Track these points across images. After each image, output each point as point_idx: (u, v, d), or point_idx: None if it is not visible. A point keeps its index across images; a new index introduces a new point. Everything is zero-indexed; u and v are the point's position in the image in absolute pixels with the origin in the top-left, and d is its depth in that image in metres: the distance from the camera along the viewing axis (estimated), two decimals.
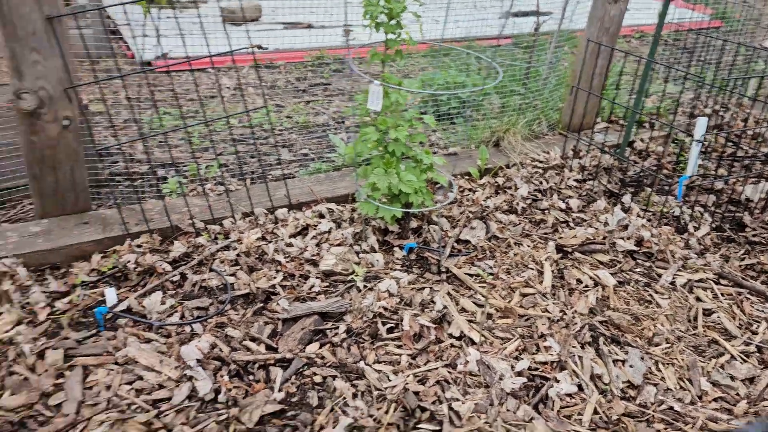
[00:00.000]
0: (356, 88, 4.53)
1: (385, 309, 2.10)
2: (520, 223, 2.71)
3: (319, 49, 5.16)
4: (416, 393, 1.78)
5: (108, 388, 1.75)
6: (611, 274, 2.39)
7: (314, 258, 2.36)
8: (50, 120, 2.20)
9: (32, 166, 2.27)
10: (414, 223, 2.59)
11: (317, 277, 2.27)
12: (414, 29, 2.36)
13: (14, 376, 1.76)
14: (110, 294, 2.08)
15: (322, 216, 2.62)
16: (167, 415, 1.67)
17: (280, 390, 1.79)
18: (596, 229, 2.67)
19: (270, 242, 2.42)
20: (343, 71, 4.95)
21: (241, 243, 2.39)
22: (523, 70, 3.94)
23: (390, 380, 1.83)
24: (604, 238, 2.61)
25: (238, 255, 2.33)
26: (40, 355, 1.84)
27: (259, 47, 4.93)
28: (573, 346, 2.01)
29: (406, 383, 1.81)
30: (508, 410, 1.76)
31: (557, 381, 1.87)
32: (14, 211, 2.55)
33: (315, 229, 2.52)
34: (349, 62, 2.19)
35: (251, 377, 1.84)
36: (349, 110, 2.45)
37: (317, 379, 1.83)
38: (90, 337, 1.95)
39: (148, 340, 1.92)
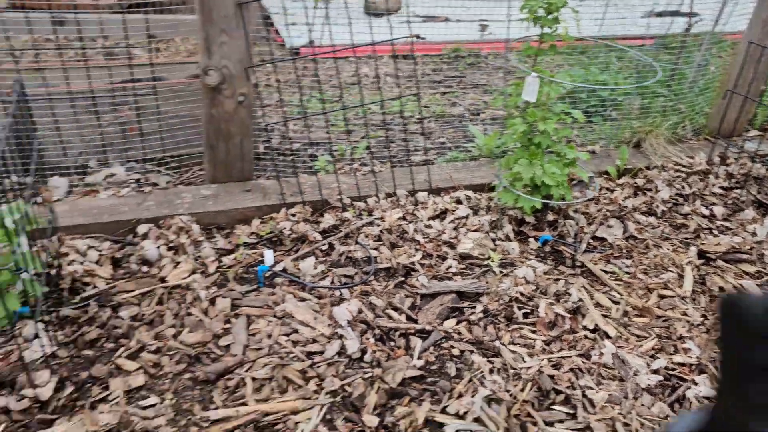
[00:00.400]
0: (490, 82, 4.58)
1: (522, 294, 2.17)
2: (659, 226, 2.67)
3: (456, 42, 5.25)
4: (551, 376, 1.84)
5: (269, 336, 1.95)
6: (758, 285, 2.31)
7: (451, 241, 2.47)
8: (229, 95, 2.45)
9: (209, 136, 2.55)
10: (550, 216, 2.63)
11: (454, 259, 2.37)
12: (562, 25, 2.38)
13: (191, 317, 2.01)
14: (268, 255, 2.30)
15: (459, 202, 2.72)
16: (320, 366, 1.85)
17: (419, 358, 1.91)
18: (743, 238, 2.58)
19: (410, 222, 2.56)
20: (478, 65, 5.01)
21: (384, 221, 2.55)
22: (668, 72, 3.82)
23: (525, 361, 1.91)
24: (752, 248, 2.52)
25: (381, 231, 2.49)
26: (212, 302, 2.08)
27: (418, 37, 5.09)
28: (714, 352, 1.98)
29: (541, 366, 1.88)
30: (642, 405, 1.78)
31: (695, 383, 1.86)
32: (186, 175, 2.86)
33: (453, 213, 2.63)
34: (508, 55, 2.26)
35: (392, 343, 1.98)
36: (497, 101, 2.53)
37: (455, 351, 1.94)
38: (252, 291, 2.18)
39: (303, 299, 2.12)
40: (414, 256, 2.37)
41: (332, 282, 2.22)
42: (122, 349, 1.88)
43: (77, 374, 1.78)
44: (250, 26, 2.65)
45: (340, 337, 1.95)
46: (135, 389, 1.76)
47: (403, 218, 2.59)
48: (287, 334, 1.97)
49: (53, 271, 2.07)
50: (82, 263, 2.19)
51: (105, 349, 1.89)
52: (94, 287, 2.11)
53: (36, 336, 1.87)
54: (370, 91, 4.26)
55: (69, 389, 1.73)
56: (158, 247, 2.27)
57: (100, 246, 2.29)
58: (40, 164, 2.05)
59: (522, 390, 1.79)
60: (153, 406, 1.70)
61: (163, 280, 2.15)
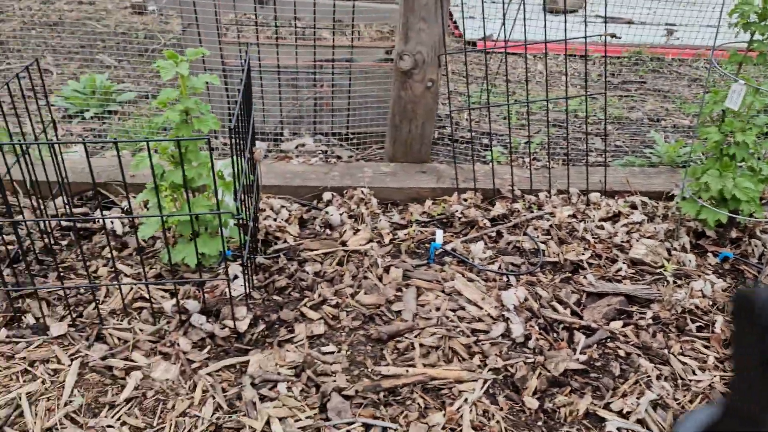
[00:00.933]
0: (673, 90, 4.36)
1: (697, 308, 2.10)
2: None
3: (638, 45, 5.04)
4: (723, 394, 1.77)
5: (437, 309, 2.06)
6: None
7: (623, 244, 2.43)
8: (419, 80, 2.59)
9: (395, 117, 2.71)
10: (734, 233, 2.49)
11: (624, 263, 2.33)
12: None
13: (367, 280, 2.17)
14: (439, 234, 2.41)
15: (634, 207, 2.66)
16: (484, 344, 1.93)
17: (582, 353, 1.92)
18: None
19: (581, 221, 2.55)
20: (661, 71, 4.78)
21: (554, 216, 2.56)
22: None
23: (695, 374, 1.85)
24: None
25: (550, 226, 2.50)
26: (386, 270, 2.23)
27: (613, 36, 4.99)
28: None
29: (713, 382, 1.81)
30: None
31: None
32: (366, 152, 3.06)
33: (626, 218, 2.58)
34: (713, 60, 2.18)
35: (556, 334, 2.01)
36: (691, 107, 2.43)
37: (621, 353, 1.93)
38: (421, 265, 2.30)
39: (471, 280, 2.21)
40: (583, 254, 2.37)
41: (499, 268, 2.28)
42: (306, 299, 2.08)
43: (268, 315, 2.01)
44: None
45: (506, 320, 2.01)
46: (316, 336, 1.95)
47: (574, 216, 2.58)
48: (454, 310, 2.07)
49: (252, 224, 2.33)
50: (275, 220, 2.44)
51: (291, 297, 2.10)
52: (284, 242, 2.35)
53: (236, 277, 2.13)
54: (543, 88, 4.23)
55: (261, 326, 1.95)
56: (341, 214, 2.47)
57: (291, 207, 2.54)
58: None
59: (691, 401, 1.74)
60: (331, 353, 1.88)
61: (343, 243, 2.34)
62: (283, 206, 2.52)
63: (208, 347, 1.88)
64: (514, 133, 3.40)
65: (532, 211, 2.59)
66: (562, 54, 5.02)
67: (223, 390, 1.73)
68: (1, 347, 1.82)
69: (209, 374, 1.78)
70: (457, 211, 2.55)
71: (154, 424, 1.63)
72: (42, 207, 2.19)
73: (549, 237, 2.47)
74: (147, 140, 1.59)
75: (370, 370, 1.83)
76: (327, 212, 2.47)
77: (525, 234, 2.48)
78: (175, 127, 1.89)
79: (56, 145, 2.27)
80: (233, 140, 1.68)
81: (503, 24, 2.61)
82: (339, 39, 4.57)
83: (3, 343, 1.84)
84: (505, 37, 2.55)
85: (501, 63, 4.66)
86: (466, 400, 1.71)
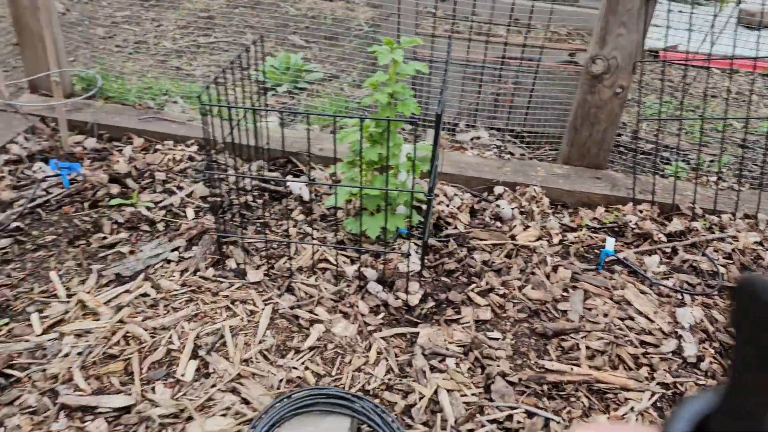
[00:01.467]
0: None
1: None
2: None
3: None
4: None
5: (605, 315, 2.06)
6: None
7: None
8: (608, 85, 2.56)
9: (576, 120, 2.70)
10: None
11: None
12: None
13: (535, 276, 2.21)
14: (610, 242, 2.38)
15: None
16: (653, 357, 1.90)
17: None
18: None
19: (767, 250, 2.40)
20: None
21: (737, 240, 2.43)
22: None
23: None
24: None
25: (732, 250, 2.38)
26: (554, 269, 2.25)
27: None
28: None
29: None
30: None
31: None
32: (538, 152, 3.07)
33: None
34: None
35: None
36: None
37: None
38: (589, 270, 2.29)
39: (642, 292, 2.17)
40: None
41: (674, 285, 2.22)
42: (474, 285, 2.16)
43: (437, 294, 2.11)
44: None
45: (678, 337, 1.96)
46: (482, 321, 2.02)
47: (760, 243, 2.44)
48: (622, 318, 2.05)
49: (424, 207, 2.45)
50: (447, 206, 2.54)
51: (459, 281, 2.19)
52: (455, 228, 2.44)
53: (409, 254, 2.26)
54: (731, 106, 3.98)
55: (430, 303, 2.06)
56: (512, 209, 2.52)
57: (463, 195, 2.63)
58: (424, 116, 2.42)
59: None
60: (496, 339, 1.95)
61: (513, 237, 2.39)
62: (455, 194, 2.62)
63: (383, 314, 2.02)
64: (694, 149, 3.25)
65: (713, 232, 2.48)
66: (755, 71, 4.67)
67: (395, 355, 1.86)
68: (208, 284, 2.08)
69: (383, 338, 1.92)
70: (630, 221, 2.50)
71: (333, 374, 1.79)
72: (248, 168, 2.45)
73: (730, 261, 2.35)
74: (361, 117, 1.74)
75: (533, 362, 1.88)
76: (498, 205, 2.53)
77: (704, 254, 2.38)
78: (381, 108, 2.04)
79: (259, 115, 2.52)
80: (437, 126, 1.79)
81: (709, 35, 2.50)
82: (519, 38, 4.58)
83: (210, 280, 2.10)
84: (710, 49, 2.45)
85: (691, 76, 4.42)
86: (632, 408, 1.71)
